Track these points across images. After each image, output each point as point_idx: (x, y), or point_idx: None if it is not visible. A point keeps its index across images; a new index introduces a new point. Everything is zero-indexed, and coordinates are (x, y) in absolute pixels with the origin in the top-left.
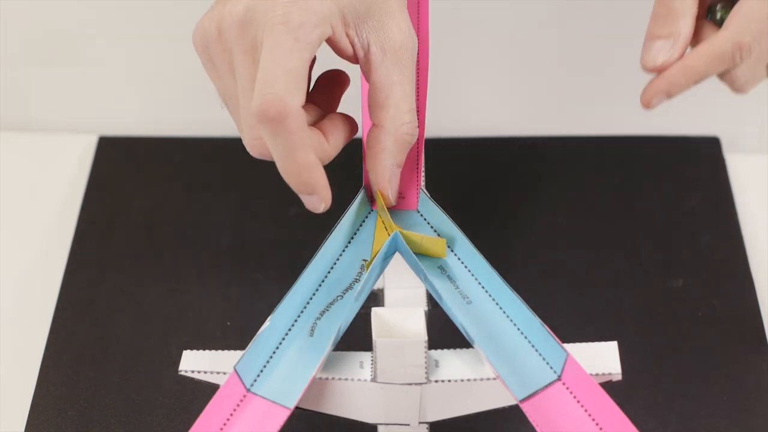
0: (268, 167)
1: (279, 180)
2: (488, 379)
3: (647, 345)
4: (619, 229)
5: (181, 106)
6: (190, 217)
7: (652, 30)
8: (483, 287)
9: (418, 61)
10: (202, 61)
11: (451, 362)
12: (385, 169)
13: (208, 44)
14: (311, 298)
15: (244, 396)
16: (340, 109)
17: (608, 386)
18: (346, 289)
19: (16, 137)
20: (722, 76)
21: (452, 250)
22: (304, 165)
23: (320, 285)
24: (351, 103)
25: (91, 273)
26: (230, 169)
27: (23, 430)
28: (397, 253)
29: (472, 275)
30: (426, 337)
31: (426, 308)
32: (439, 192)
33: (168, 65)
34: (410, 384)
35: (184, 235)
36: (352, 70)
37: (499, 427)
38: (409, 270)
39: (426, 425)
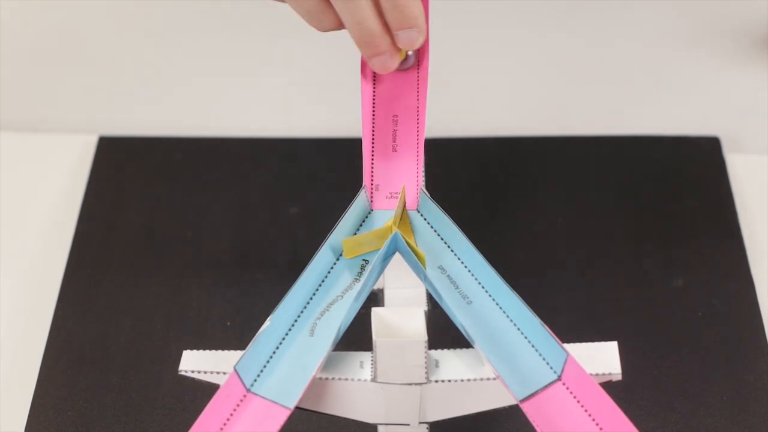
0: (268, 167)
1: (279, 180)
2: (488, 379)
3: (647, 345)
4: (619, 229)
5: (181, 106)
6: (190, 217)
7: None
8: (483, 287)
9: (418, 62)
10: None
11: (451, 362)
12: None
13: None
14: (311, 298)
15: (244, 396)
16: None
17: (608, 386)
18: (346, 289)
19: (16, 137)
20: None
21: (452, 250)
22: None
23: (320, 285)
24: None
25: (91, 273)
26: (230, 169)
27: (23, 430)
28: (397, 253)
29: (472, 275)
30: (426, 337)
31: (426, 308)
32: (439, 192)
33: (168, 65)
34: (410, 384)
35: (184, 235)
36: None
37: (499, 427)
38: (409, 270)
39: (426, 425)
